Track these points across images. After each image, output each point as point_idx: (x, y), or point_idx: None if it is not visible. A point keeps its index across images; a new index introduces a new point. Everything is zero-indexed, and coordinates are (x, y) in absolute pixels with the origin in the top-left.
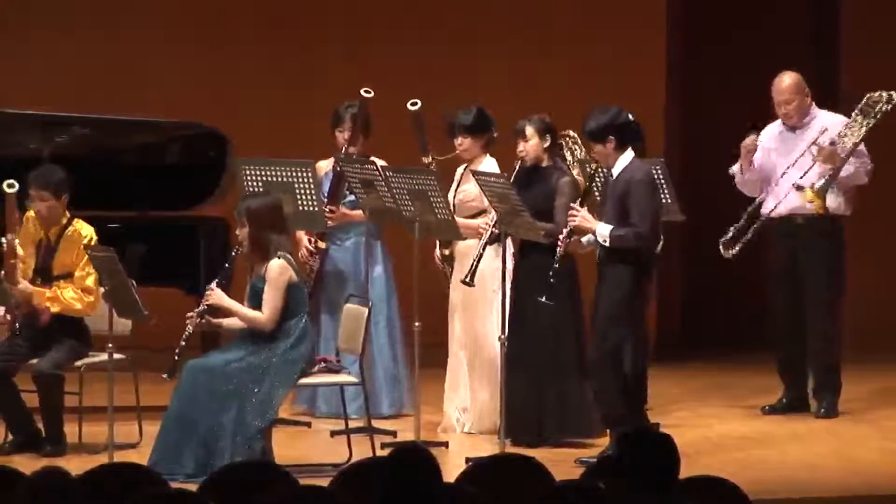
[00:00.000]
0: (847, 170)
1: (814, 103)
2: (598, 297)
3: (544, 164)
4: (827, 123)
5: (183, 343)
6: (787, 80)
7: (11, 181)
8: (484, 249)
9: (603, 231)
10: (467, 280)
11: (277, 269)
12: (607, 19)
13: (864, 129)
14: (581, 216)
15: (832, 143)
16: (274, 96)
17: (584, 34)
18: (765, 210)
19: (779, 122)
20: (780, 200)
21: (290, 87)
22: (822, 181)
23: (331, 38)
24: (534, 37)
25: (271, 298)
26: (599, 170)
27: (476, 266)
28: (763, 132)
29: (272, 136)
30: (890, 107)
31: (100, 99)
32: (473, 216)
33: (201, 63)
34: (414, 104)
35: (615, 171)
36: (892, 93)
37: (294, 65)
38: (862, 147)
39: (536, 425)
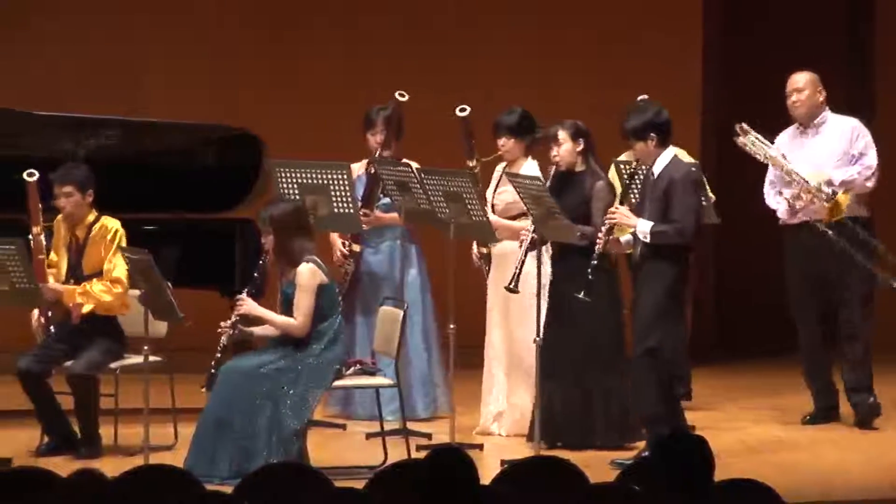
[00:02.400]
0: (849, 173)
1: (827, 107)
2: (638, 296)
3: (578, 168)
4: (838, 129)
5: (218, 355)
6: (801, 73)
7: (31, 170)
8: (526, 255)
9: (644, 227)
10: (512, 286)
11: (308, 274)
12: (642, 19)
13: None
14: (620, 213)
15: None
16: (302, 97)
17: (619, 34)
18: (785, 217)
19: (791, 128)
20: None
21: (319, 88)
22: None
23: (362, 40)
24: (563, 36)
25: (303, 303)
26: (640, 168)
27: (519, 272)
28: (777, 140)
29: (300, 137)
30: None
31: (121, 100)
32: (514, 217)
33: (227, 64)
34: (462, 110)
35: (656, 169)
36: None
37: (323, 67)
38: (868, 153)
39: (581, 427)
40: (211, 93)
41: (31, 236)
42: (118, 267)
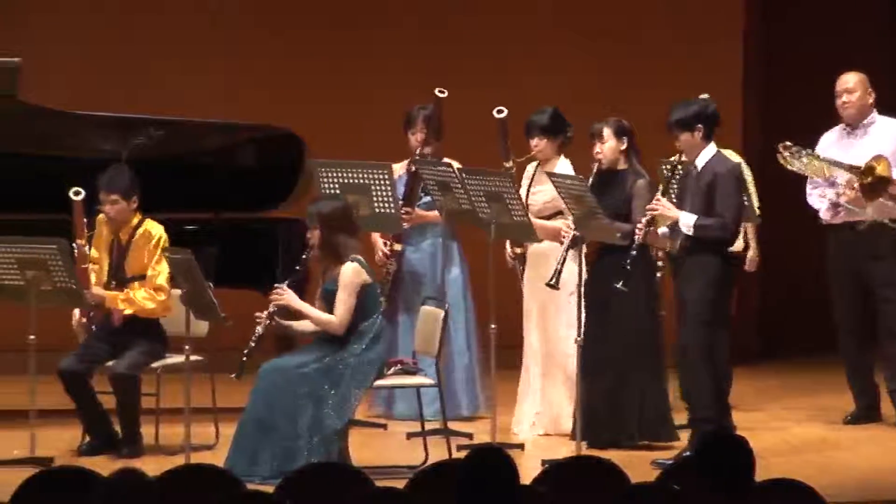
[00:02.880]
0: None
1: (875, 109)
2: (684, 291)
3: (620, 166)
4: (887, 130)
5: (252, 343)
6: (851, 74)
7: (77, 189)
8: (567, 252)
9: (687, 220)
10: (552, 283)
11: (351, 273)
12: (683, 19)
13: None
14: (662, 205)
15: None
16: (335, 97)
17: (661, 33)
18: (827, 217)
19: (837, 128)
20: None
21: (352, 88)
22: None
23: (394, 39)
24: (608, 32)
25: (343, 301)
26: (681, 162)
27: (560, 269)
28: (822, 139)
29: (334, 137)
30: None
31: (158, 100)
32: (549, 217)
33: (261, 64)
34: (500, 111)
35: (699, 163)
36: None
37: (355, 66)
38: None
39: (615, 426)
40: (272, 94)
41: (74, 246)
42: (161, 274)
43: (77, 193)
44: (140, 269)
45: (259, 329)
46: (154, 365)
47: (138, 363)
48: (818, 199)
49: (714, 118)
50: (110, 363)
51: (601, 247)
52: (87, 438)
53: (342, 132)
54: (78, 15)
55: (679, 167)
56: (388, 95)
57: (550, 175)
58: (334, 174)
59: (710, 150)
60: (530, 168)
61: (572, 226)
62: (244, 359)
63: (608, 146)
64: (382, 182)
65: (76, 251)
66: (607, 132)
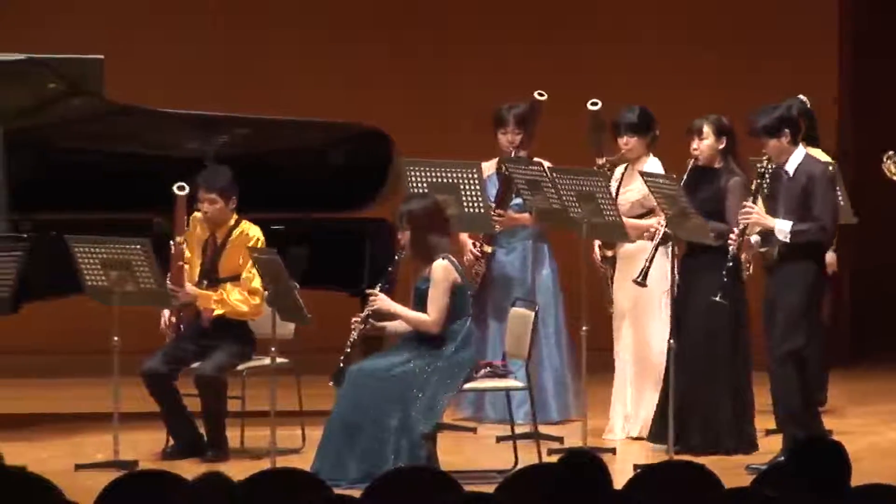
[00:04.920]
0: None
1: None
2: (778, 297)
3: (716, 165)
4: None
5: (348, 350)
6: None
7: (182, 184)
8: (656, 250)
9: (783, 227)
10: (639, 280)
11: (442, 271)
12: (778, 19)
13: None
14: (756, 213)
15: None
16: (411, 97)
17: (756, 33)
18: None
19: None
20: None
21: (429, 88)
22: None
23: (470, 39)
24: (698, 35)
25: (437, 300)
26: (769, 167)
27: (648, 266)
28: None
29: (411, 136)
30: None
31: (234, 99)
32: (640, 216)
33: (334, 63)
34: (594, 104)
35: (790, 167)
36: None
37: (431, 65)
38: None
39: (699, 431)
40: (346, 93)
41: (172, 243)
42: (257, 277)
43: (181, 189)
44: (233, 269)
45: (354, 334)
46: (239, 367)
47: (224, 365)
48: None
49: (798, 121)
50: (195, 365)
51: (688, 247)
52: (172, 441)
53: (429, 131)
54: (91, 15)
55: (767, 173)
56: (476, 95)
57: (643, 174)
58: (423, 173)
59: (800, 153)
60: (619, 170)
61: (663, 222)
62: (341, 366)
63: (706, 143)
64: (472, 181)
65: (173, 248)
66: (707, 129)
